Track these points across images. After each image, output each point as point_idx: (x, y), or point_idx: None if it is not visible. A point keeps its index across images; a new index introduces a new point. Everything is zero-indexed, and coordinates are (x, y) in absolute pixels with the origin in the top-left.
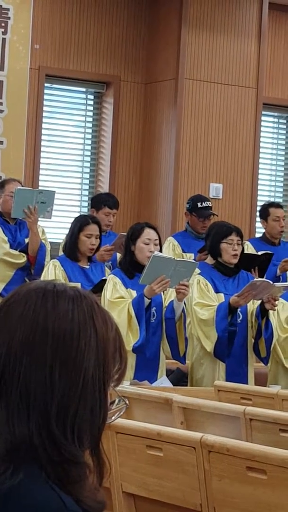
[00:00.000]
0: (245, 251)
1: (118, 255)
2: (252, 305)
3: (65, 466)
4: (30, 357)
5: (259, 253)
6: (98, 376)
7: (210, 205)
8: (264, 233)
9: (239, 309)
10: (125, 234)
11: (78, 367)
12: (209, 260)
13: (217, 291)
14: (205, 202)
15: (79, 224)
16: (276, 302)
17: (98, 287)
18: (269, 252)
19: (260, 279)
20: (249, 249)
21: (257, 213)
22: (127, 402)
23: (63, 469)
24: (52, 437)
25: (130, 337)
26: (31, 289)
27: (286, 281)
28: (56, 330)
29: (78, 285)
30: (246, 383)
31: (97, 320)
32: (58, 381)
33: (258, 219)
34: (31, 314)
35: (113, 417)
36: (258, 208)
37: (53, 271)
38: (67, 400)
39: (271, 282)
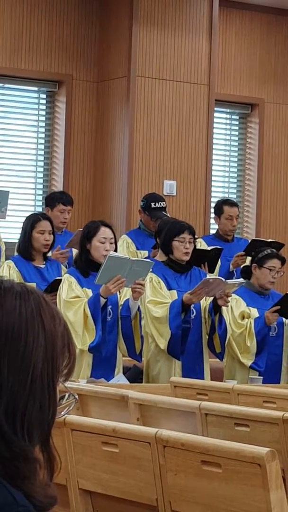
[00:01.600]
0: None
1: (74, 252)
2: (205, 302)
3: (15, 462)
4: None
5: (209, 248)
6: (47, 372)
7: (164, 206)
8: (217, 230)
9: (192, 306)
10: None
11: (27, 363)
12: (160, 256)
13: (169, 288)
14: (159, 203)
15: (31, 222)
16: (229, 298)
17: (52, 287)
18: (218, 247)
19: (212, 276)
20: (202, 246)
21: (212, 210)
22: (76, 396)
23: (13, 465)
24: (1, 433)
25: (86, 337)
26: None
27: (239, 277)
28: (4, 326)
29: (33, 285)
30: (203, 379)
31: (44, 316)
32: (6, 377)
33: (212, 215)
34: None
35: (62, 412)
36: (212, 205)
37: (7, 272)
38: (16, 396)
39: (224, 279)
